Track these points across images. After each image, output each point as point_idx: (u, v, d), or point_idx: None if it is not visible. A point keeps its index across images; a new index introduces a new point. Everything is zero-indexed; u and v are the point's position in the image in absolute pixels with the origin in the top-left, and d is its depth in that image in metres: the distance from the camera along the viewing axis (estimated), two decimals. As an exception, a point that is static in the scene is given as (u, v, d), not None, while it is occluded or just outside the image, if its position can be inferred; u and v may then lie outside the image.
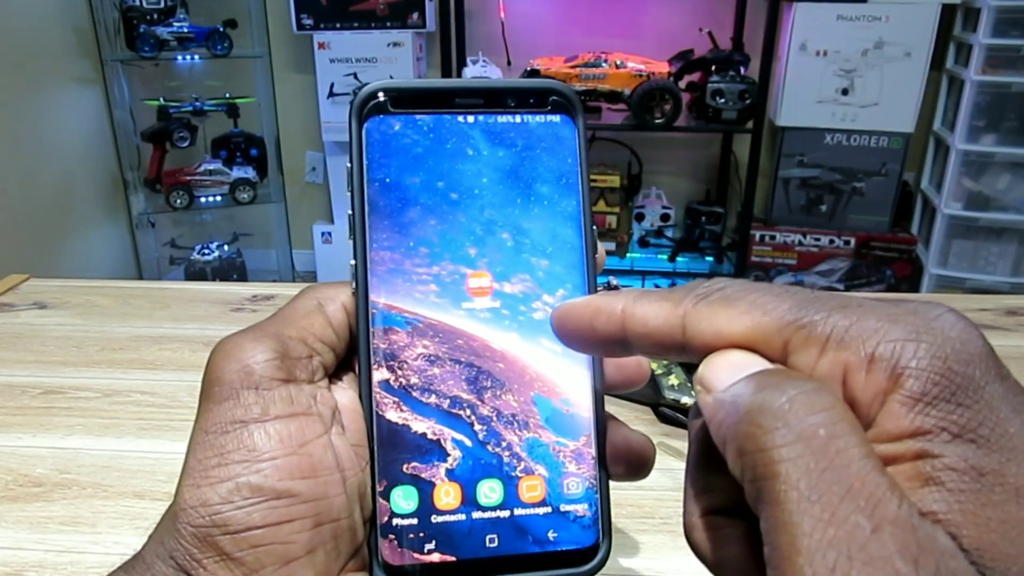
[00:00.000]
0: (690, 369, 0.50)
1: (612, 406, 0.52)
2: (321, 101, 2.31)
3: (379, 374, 0.23)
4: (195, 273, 2.46)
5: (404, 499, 0.23)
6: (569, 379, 0.24)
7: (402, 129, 0.24)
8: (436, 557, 0.23)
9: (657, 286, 2.01)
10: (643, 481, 0.44)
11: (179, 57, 2.27)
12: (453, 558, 0.23)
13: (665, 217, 2.34)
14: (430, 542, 0.23)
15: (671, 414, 0.48)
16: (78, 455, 0.46)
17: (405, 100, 0.24)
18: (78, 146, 2.28)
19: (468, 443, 0.23)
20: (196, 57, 2.28)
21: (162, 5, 2.19)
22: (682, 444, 0.48)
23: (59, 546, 0.39)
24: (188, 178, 2.35)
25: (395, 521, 0.23)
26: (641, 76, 2.02)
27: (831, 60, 2.07)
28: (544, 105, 0.25)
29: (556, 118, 0.25)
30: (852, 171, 2.17)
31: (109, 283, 0.73)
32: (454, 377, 0.23)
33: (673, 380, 0.49)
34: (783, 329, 0.17)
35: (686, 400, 0.48)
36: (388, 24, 2.25)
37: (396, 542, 0.23)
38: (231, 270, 2.51)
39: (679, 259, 2.33)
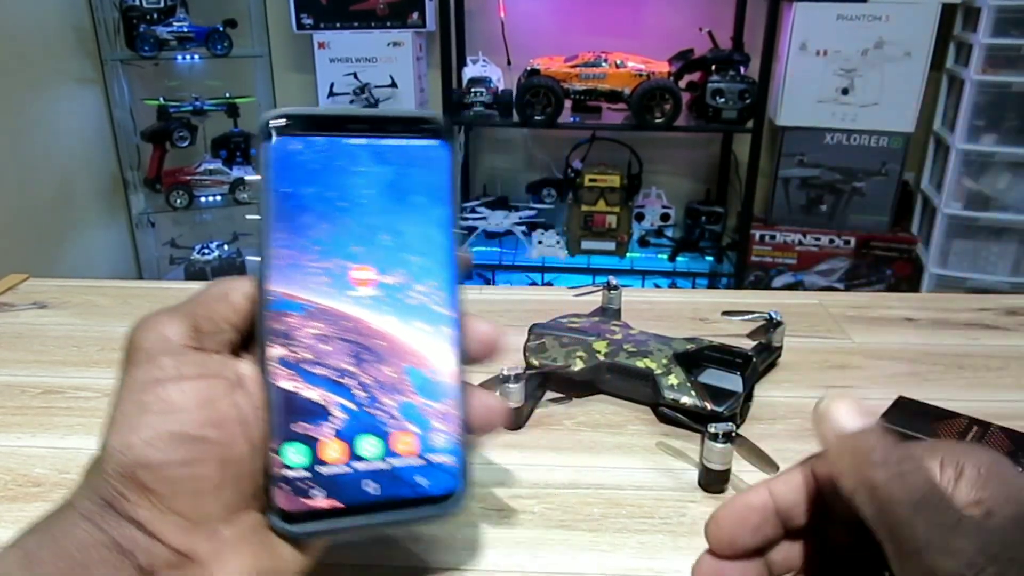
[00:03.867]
0: (688, 369, 0.50)
1: (612, 405, 0.52)
2: (321, 101, 2.31)
3: (276, 350, 0.27)
4: (195, 273, 2.46)
5: (295, 454, 0.27)
6: (436, 353, 0.29)
7: (301, 149, 0.29)
8: (323, 503, 0.27)
9: (657, 286, 2.01)
10: (643, 481, 0.44)
11: (179, 57, 2.27)
12: (339, 503, 0.27)
13: (665, 217, 2.34)
14: (318, 490, 0.27)
15: (671, 414, 0.48)
16: (78, 455, 0.46)
17: (304, 124, 0.29)
18: (78, 146, 2.28)
19: (352, 407, 0.28)
20: (196, 57, 2.28)
21: (162, 5, 2.18)
22: (682, 444, 0.48)
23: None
24: (188, 178, 2.35)
25: (286, 472, 0.27)
26: (641, 76, 2.02)
27: (831, 60, 2.07)
28: (420, 131, 0.30)
29: (431, 142, 0.30)
30: (852, 171, 2.17)
31: (109, 283, 0.73)
32: (340, 352, 0.28)
33: (673, 380, 0.49)
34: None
35: (685, 400, 0.48)
36: (388, 24, 2.25)
37: (288, 491, 0.27)
38: (231, 270, 2.51)
39: (679, 259, 2.33)
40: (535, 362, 0.53)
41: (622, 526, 0.40)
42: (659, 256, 2.35)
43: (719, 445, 0.42)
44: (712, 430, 0.42)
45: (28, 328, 0.63)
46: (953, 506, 0.22)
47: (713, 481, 0.43)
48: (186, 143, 2.32)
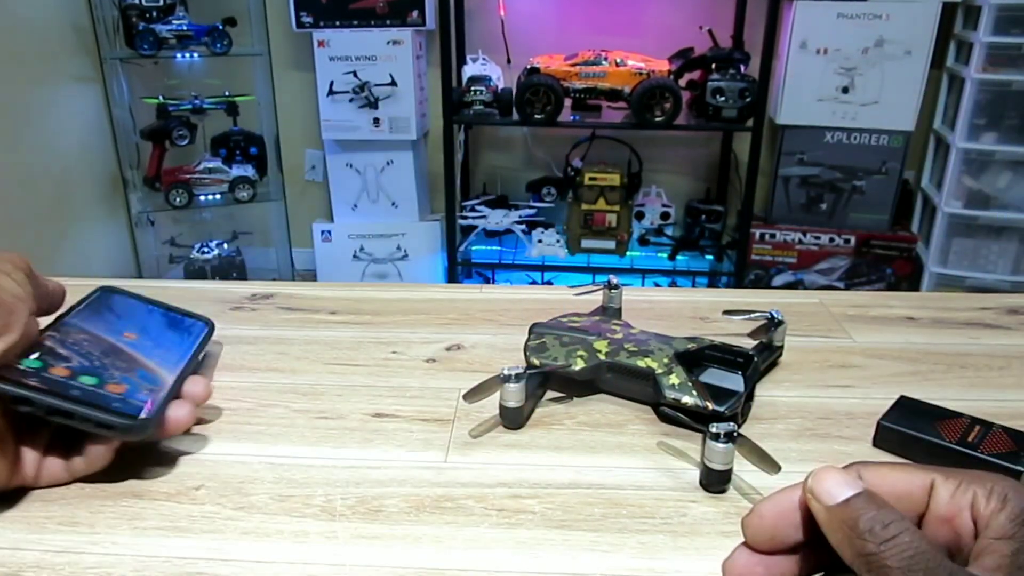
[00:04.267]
0: (689, 369, 0.50)
1: (613, 404, 0.52)
2: (321, 99, 2.31)
3: (60, 332, 0.45)
4: (195, 271, 2.46)
5: (31, 361, 0.41)
6: (159, 369, 0.46)
7: (113, 301, 0.52)
8: (33, 383, 0.40)
9: (657, 284, 2.01)
10: (644, 481, 0.44)
11: (178, 55, 2.26)
12: (43, 386, 0.40)
13: (665, 215, 2.34)
14: (35, 379, 0.40)
15: (671, 413, 0.48)
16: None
17: (118, 291, 0.53)
18: (77, 144, 2.28)
19: (87, 363, 0.43)
20: (195, 55, 2.28)
21: (161, 3, 2.18)
22: (682, 444, 0.48)
23: (57, 546, 0.39)
24: (188, 176, 2.35)
25: (20, 366, 0.40)
26: (641, 74, 2.02)
27: (831, 58, 2.07)
28: (195, 316, 0.55)
29: (198, 322, 0.55)
30: (852, 169, 2.17)
31: (108, 282, 0.73)
32: (99, 348, 0.46)
33: (673, 380, 0.49)
34: (930, 473, 0.26)
35: (686, 399, 0.48)
36: (388, 22, 2.25)
37: (15, 373, 0.40)
38: (231, 268, 2.51)
39: (679, 258, 2.33)
40: (536, 361, 0.52)
41: (622, 526, 0.40)
42: (659, 255, 2.35)
43: (720, 445, 0.42)
44: (713, 430, 0.42)
45: (27, 327, 0.63)
46: (944, 562, 0.23)
47: (714, 481, 0.43)
48: (185, 142, 2.32)
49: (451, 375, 0.56)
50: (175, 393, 0.45)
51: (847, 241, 2.20)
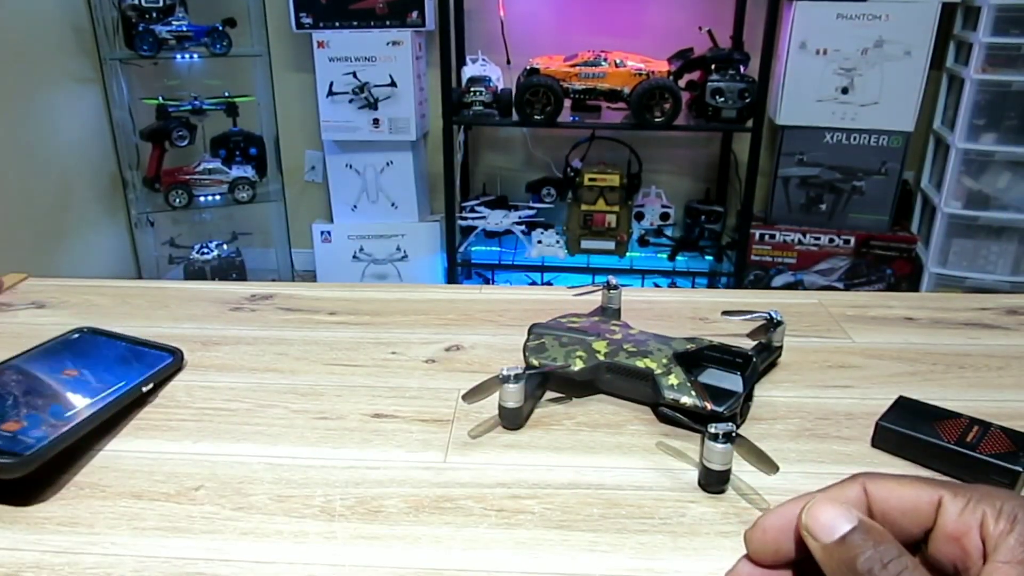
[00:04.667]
0: (688, 369, 0.50)
1: (612, 404, 0.52)
2: (320, 100, 2.31)
3: None
4: (194, 272, 2.46)
5: None
6: (74, 405, 0.48)
7: (83, 340, 0.55)
8: None
9: (657, 285, 2.00)
10: (643, 481, 0.44)
11: (178, 56, 2.26)
12: None
13: (665, 216, 2.34)
14: None
15: (670, 414, 0.48)
16: (75, 455, 0.46)
17: (96, 332, 0.57)
18: (77, 145, 2.28)
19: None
20: (195, 56, 2.28)
21: (161, 4, 2.18)
22: (682, 444, 0.48)
23: (56, 547, 0.39)
24: (187, 177, 2.35)
25: None
26: (641, 75, 2.02)
27: (831, 59, 2.07)
28: (162, 348, 0.56)
29: (161, 355, 0.56)
30: (852, 170, 2.17)
31: (108, 282, 0.73)
32: (23, 388, 0.48)
33: (672, 380, 0.49)
34: (939, 489, 0.26)
35: (685, 400, 0.48)
36: (387, 23, 2.25)
37: None
38: (230, 269, 2.51)
39: (679, 258, 2.33)
40: (535, 362, 0.52)
41: (622, 526, 0.40)
42: (659, 255, 2.35)
43: (719, 445, 0.42)
44: (712, 430, 0.42)
45: (27, 328, 0.63)
46: None
47: (713, 481, 0.43)
48: (185, 142, 2.32)
49: (450, 376, 0.56)
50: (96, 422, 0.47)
51: (847, 241, 2.20)
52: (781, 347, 0.57)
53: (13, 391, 0.47)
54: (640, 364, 0.51)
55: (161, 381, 0.54)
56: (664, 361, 0.51)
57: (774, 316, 0.57)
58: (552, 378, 0.53)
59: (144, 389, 0.52)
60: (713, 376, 0.50)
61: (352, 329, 0.63)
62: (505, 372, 0.48)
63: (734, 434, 0.42)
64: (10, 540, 0.39)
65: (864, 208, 2.20)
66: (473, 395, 0.48)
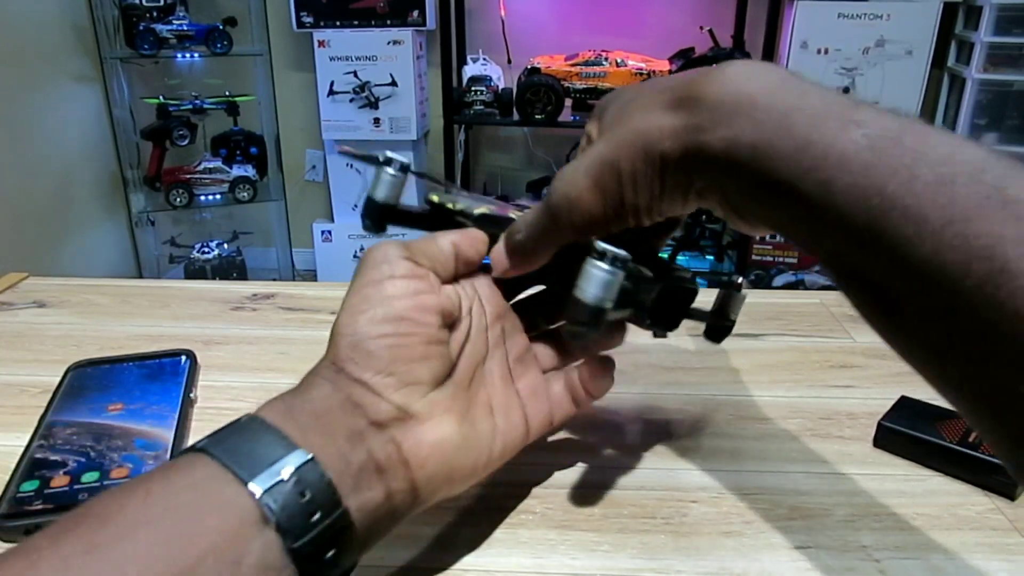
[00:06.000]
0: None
1: (611, 404, 0.52)
2: (321, 99, 2.31)
3: (41, 441, 0.45)
4: (195, 271, 2.46)
5: (27, 486, 0.41)
6: (155, 433, 0.46)
7: (86, 376, 0.52)
8: (39, 507, 0.39)
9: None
10: (644, 481, 0.44)
11: (179, 55, 2.26)
12: (50, 506, 0.39)
13: (665, 215, 2.34)
14: (40, 502, 0.40)
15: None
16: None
17: (86, 364, 0.53)
18: (77, 144, 2.28)
19: (86, 459, 0.43)
20: (196, 55, 2.28)
21: (162, 3, 2.18)
22: (682, 444, 0.48)
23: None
24: (188, 176, 2.35)
25: (19, 495, 0.40)
26: (642, 74, 2.02)
27: (832, 58, 2.06)
28: (171, 352, 0.55)
29: (177, 361, 0.54)
30: (853, 169, 2.17)
31: (108, 282, 0.73)
32: (86, 438, 0.45)
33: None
34: None
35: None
36: (388, 22, 2.25)
37: (13, 504, 0.40)
38: (231, 268, 2.51)
39: (679, 258, 2.30)
40: (435, 198, 0.43)
41: (623, 526, 0.40)
42: (659, 255, 2.35)
43: (600, 270, 0.32)
44: (600, 247, 0.32)
45: (27, 327, 0.63)
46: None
47: (577, 317, 0.33)
48: (186, 142, 2.32)
49: (451, 375, 0.56)
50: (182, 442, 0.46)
51: (847, 241, 2.20)
52: (733, 323, 0.43)
53: (84, 443, 0.44)
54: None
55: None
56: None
57: (734, 279, 0.42)
58: (446, 214, 0.43)
59: (192, 395, 0.51)
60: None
61: (353, 328, 0.63)
62: (389, 155, 0.41)
63: (629, 262, 0.33)
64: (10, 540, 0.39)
65: (865, 208, 2.20)
66: (350, 152, 0.43)
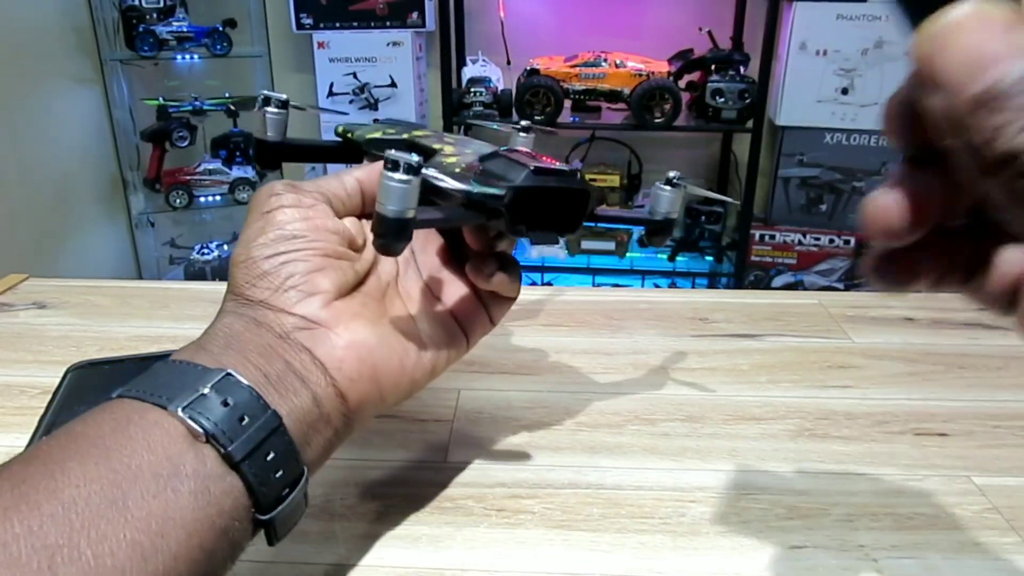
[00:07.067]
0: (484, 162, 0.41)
1: (611, 404, 0.52)
2: (321, 100, 2.31)
3: None
4: (195, 273, 2.46)
5: None
6: None
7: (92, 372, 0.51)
8: None
9: (657, 286, 2.00)
10: (643, 481, 0.44)
11: (178, 57, 2.26)
12: None
13: (665, 217, 2.34)
14: None
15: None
16: (77, 455, 0.46)
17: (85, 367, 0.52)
18: (77, 146, 2.28)
19: None
20: (195, 57, 2.28)
21: (161, 4, 2.18)
22: (681, 444, 0.48)
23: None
24: (188, 178, 2.35)
25: None
26: (641, 75, 2.02)
27: (831, 59, 2.07)
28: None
29: None
30: (852, 171, 2.17)
31: (108, 283, 0.73)
32: None
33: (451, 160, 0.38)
34: None
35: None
36: (388, 24, 2.25)
37: None
38: (231, 270, 2.51)
39: (679, 259, 2.33)
40: (339, 129, 0.46)
41: (622, 526, 0.40)
42: (659, 256, 2.35)
43: (396, 181, 0.30)
44: (392, 155, 0.30)
45: (27, 328, 0.63)
46: None
47: (381, 231, 0.31)
48: (186, 143, 2.32)
49: (450, 375, 0.56)
50: None
51: (847, 242, 2.20)
52: (670, 221, 0.43)
53: None
54: (435, 146, 0.40)
55: None
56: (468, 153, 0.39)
57: (672, 176, 0.42)
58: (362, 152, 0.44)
59: None
60: (500, 166, 0.36)
61: (352, 329, 0.63)
62: (266, 93, 0.40)
63: (418, 165, 0.30)
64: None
65: (864, 209, 2.20)
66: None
